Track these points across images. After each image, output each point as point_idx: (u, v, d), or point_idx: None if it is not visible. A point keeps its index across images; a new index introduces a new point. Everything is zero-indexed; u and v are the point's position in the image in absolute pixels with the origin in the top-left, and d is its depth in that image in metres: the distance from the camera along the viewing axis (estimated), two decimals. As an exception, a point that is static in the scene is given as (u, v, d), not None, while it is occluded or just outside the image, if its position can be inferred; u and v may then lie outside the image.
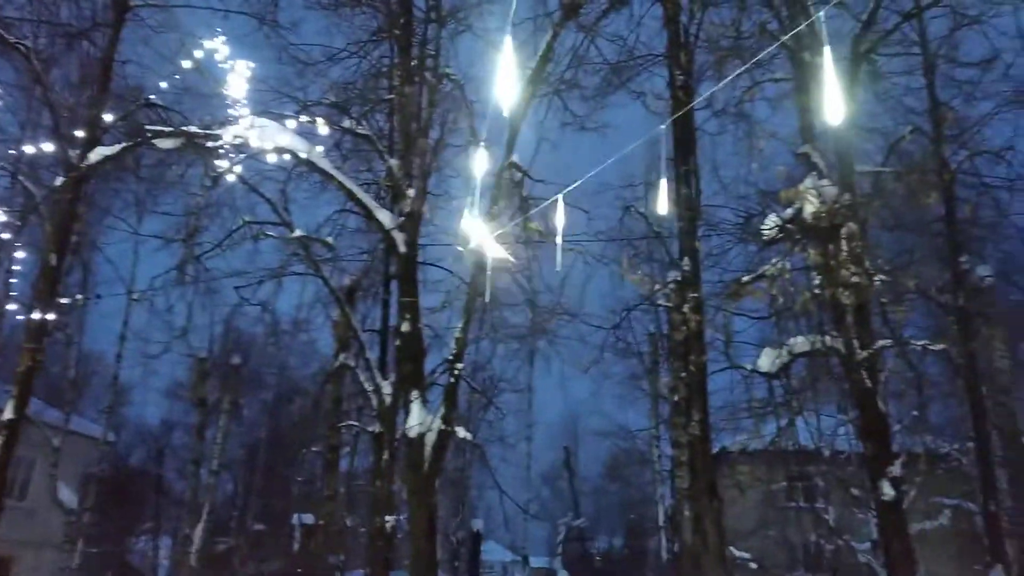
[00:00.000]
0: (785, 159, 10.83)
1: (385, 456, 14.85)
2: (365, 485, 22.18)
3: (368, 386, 14.48)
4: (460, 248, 11.02)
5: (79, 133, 10.79)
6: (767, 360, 10.31)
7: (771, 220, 9.55)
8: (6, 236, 11.34)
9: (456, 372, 10.86)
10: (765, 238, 9.56)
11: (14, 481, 17.41)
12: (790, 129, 11.25)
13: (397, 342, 11.43)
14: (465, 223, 7.74)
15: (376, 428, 14.86)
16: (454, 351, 10.93)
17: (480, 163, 7.16)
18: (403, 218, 11.05)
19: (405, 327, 11.02)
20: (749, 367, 10.86)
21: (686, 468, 10.63)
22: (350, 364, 15.42)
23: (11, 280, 12.12)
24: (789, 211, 9.22)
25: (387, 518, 14.23)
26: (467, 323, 11.08)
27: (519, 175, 11.05)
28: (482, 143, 8.98)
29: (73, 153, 10.81)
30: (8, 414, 10.48)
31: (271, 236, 13.44)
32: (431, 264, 13.58)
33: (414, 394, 10.81)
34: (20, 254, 11.89)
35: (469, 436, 15.20)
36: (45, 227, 11.42)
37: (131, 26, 11.97)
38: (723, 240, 11.69)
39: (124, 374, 24.95)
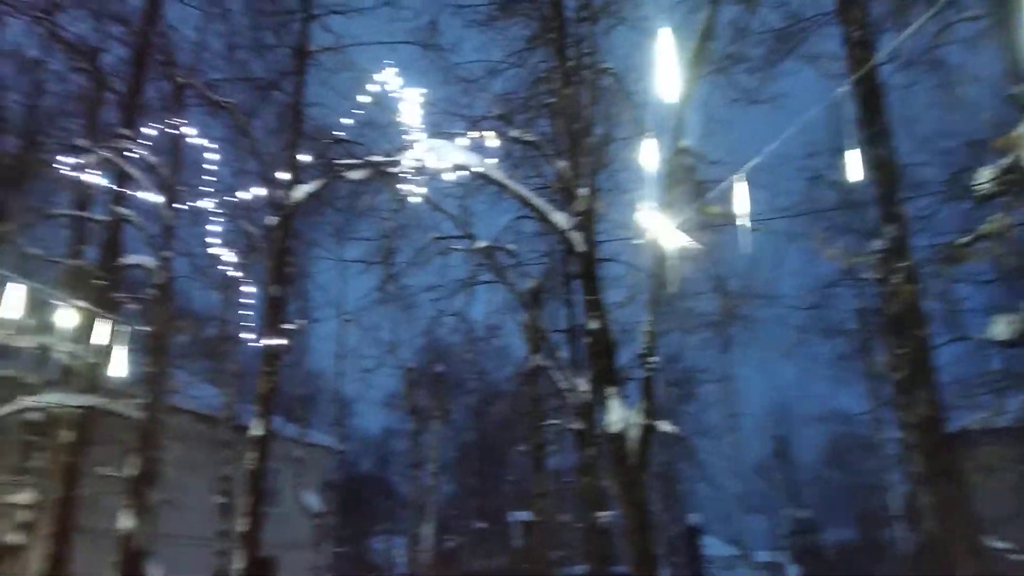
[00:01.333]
0: (992, 105, 9.52)
1: (589, 452, 14.98)
2: (574, 482, 22.50)
3: (563, 385, 14.69)
4: (638, 241, 10.83)
5: (282, 175, 12.01)
6: (1001, 327, 9.10)
7: (985, 173, 8.41)
8: (236, 274, 12.87)
9: (650, 366, 10.67)
10: (980, 193, 8.44)
11: (269, 491, 19.75)
12: (994, 71, 9.88)
13: (587, 340, 11.47)
14: (641, 215, 7.59)
15: (577, 425, 15.05)
16: (644, 345, 10.76)
17: (649, 154, 6.98)
18: (578, 218, 11.08)
19: (592, 324, 11.02)
20: (981, 337, 9.66)
21: (918, 451, 9.68)
22: (543, 364, 15.73)
23: (243, 312, 13.72)
24: (1006, 160, 8.07)
25: (600, 514, 14.33)
26: (654, 316, 10.86)
27: (691, 160, 10.65)
28: (649, 133, 8.76)
29: (279, 193, 12.06)
30: (257, 431, 11.89)
31: (458, 249, 14.10)
32: (611, 260, 13.51)
33: (610, 390, 10.77)
34: (248, 289, 13.44)
35: (673, 429, 14.92)
36: (266, 263, 12.85)
37: (312, 71, 13.16)
38: (930, 201, 10.52)
39: (346, 389, 27.37)
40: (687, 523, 29.37)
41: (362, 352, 20.04)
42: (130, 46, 14.29)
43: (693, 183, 10.86)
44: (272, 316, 12.44)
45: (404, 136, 10.42)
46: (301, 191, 12.00)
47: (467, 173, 11.22)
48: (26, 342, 11.68)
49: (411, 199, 11.83)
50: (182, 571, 17.02)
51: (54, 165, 11.56)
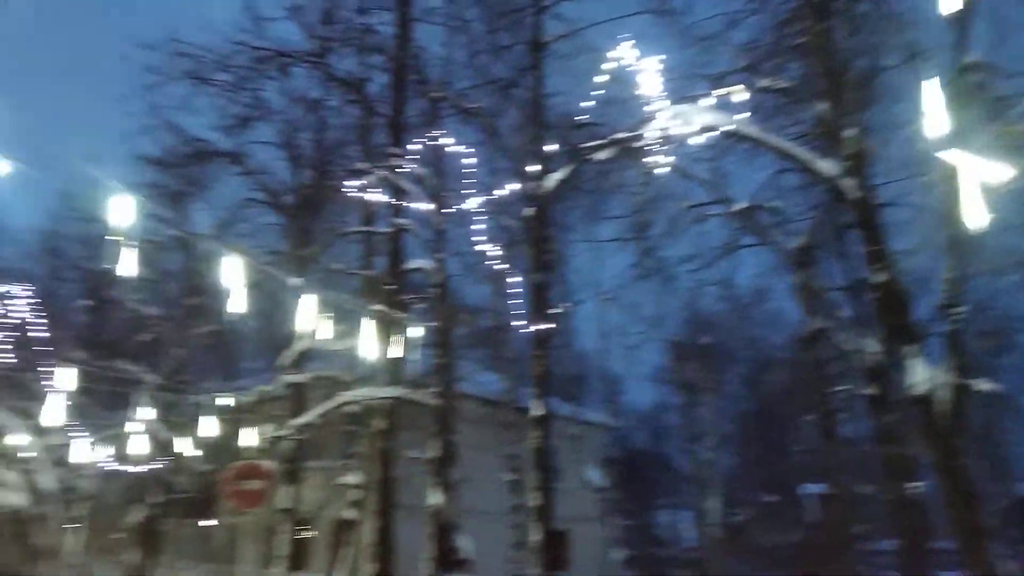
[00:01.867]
0: None
1: (888, 418, 13.61)
2: (871, 450, 20.64)
3: (848, 347, 13.48)
4: (926, 179, 9.55)
5: (532, 167, 12.48)
6: None
7: None
8: (501, 267, 13.66)
9: (955, 317, 9.38)
10: None
11: (554, 467, 20.83)
12: None
13: (872, 295, 10.39)
14: (928, 148, 6.67)
15: (869, 390, 13.74)
16: (946, 294, 9.46)
17: (928, 78, 6.09)
18: (847, 162, 10.05)
19: (878, 278, 9.96)
20: None
21: None
22: (823, 327, 14.56)
23: (511, 302, 14.52)
24: None
25: (909, 485, 12.97)
26: (955, 260, 9.50)
27: (981, 76, 9.11)
28: (924, 55, 7.64)
29: (531, 185, 12.56)
30: (537, 411, 12.56)
31: (714, 215, 13.57)
32: (892, 205, 12.05)
33: (908, 349, 9.67)
34: (513, 279, 14.18)
35: (991, 386, 12.99)
36: (527, 252, 13.47)
37: (549, 62, 13.47)
38: None
39: (613, 366, 27.80)
40: (1019, 492, 25.49)
41: (626, 329, 20.18)
42: (389, 72, 15.81)
43: (987, 102, 9.29)
44: (537, 302, 13.00)
45: (646, 108, 10.24)
46: (552, 180, 12.37)
47: (716, 134, 10.72)
48: (340, 345, 13.45)
49: (659, 171, 11.62)
50: (484, 543, 18.54)
51: (342, 190, 13.17)
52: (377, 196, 13.63)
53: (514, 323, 14.22)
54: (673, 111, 10.27)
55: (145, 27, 17.23)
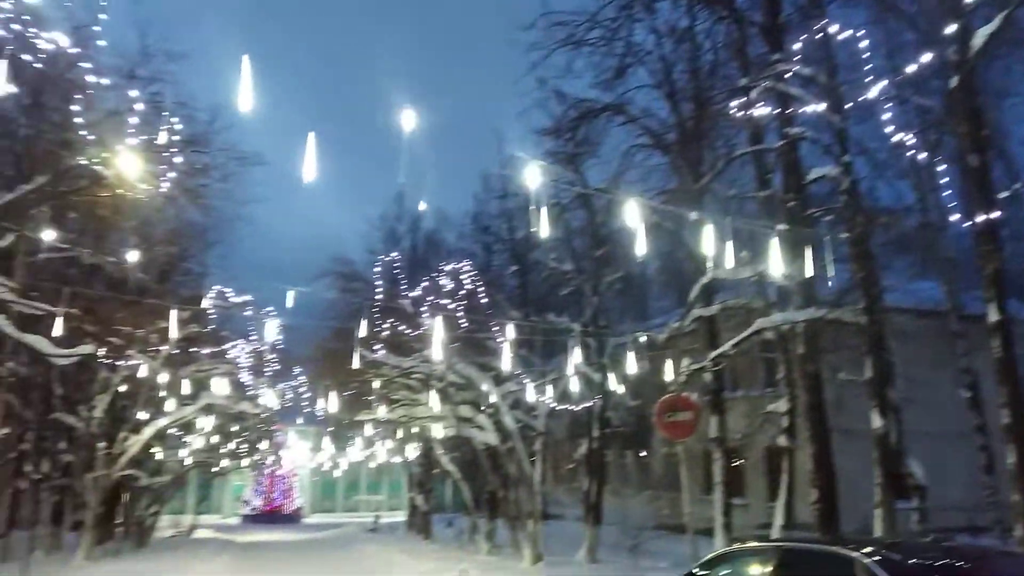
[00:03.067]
0: None
1: None
2: None
3: None
4: None
5: (948, 29, 10.44)
6: None
7: None
8: (921, 156, 11.83)
9: None
10: None
11: None
12: None
13: None
14: None
15: None
16: None
17: None
18: None
19: None
20: None
21: None
22: None
23: (940, 194, 12.52)
24: None
25: None
26: None
27: None
28: None
29: (949, 51, 10.53)
30: (993, 317, 10.70)
31: None
32: None
33: None
34: (939, 167, 12.20)
35: None
36: (954, 133, 11.42)
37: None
38: None
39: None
40: None
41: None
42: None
43: None
44: (977, 189, 10.96)
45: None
46: (979, 37, 10.22)
47: None
48: (747, 273, 13.11)
49: None
50: (938, 467, 16.62)
51: (726, 113, 12.68)
52: (763, 110, 12.84)
53: (948, 218, 12.26)
54: None
55: (518, 8, 18.66)
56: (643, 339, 17.52)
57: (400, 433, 30.72)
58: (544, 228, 8.21)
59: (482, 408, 20.38)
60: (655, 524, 21.10)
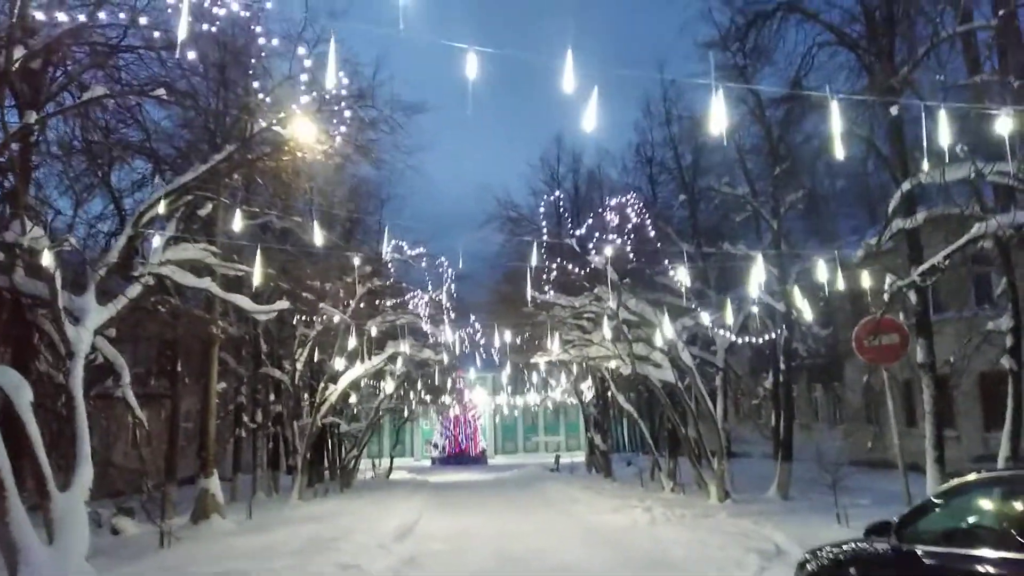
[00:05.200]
0: None
1: None
2: None
3: None
4: None
5: None
6: None
7: None
8: None
9: None
10: None
11: None
12: None
13: None
14: None
15: None
16: None
17: None
18: None
19: None
20: None
21: None
22: None
23: None
24: None
25: None
26: None
27: None
28: None
29: None
30: None
31: None
32: None
33: None
34: None
35: None
36: None
37: None
38: None
39: None
40: None
41: None
42: None
43: None
44: None
45: None
46: None
47: None
48: (959, 173, 11.49)
49: None
50: None
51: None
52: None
53: None
54: None
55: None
56: (833, 260, 16.11)
57: (575, 373, 30.95)
58: (718, 122, 7.30)
59: (657, 345, 19.86)
60: (850, 460, 19.73)
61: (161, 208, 11.40)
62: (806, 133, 18.33)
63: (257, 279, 12.26)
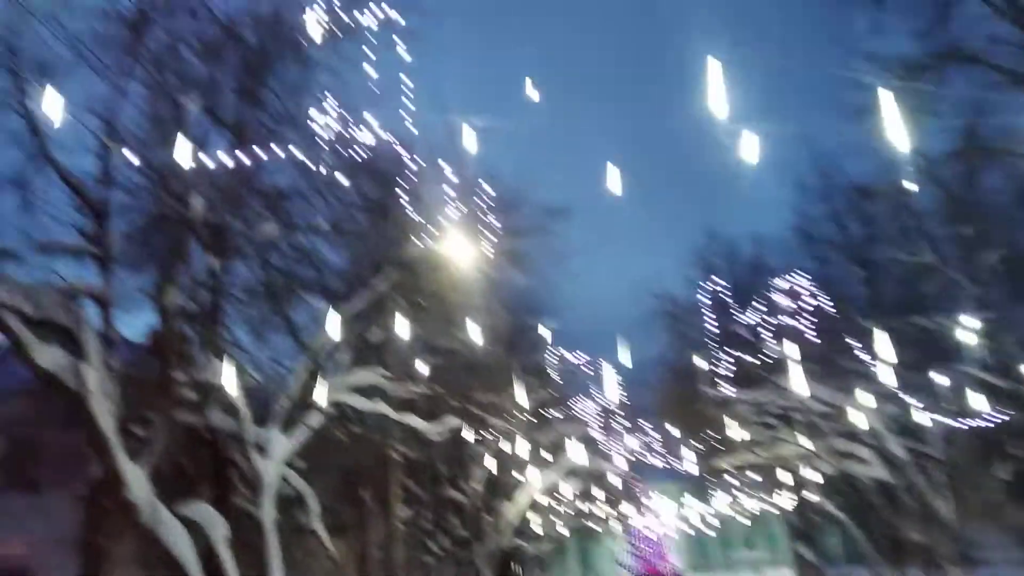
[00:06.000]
0: None
1: None
2: None
3: None
4: None
5: None
6: None
7: None
8: None
9: None
10: None
11: None
12: None
13: None
14: None
15: None
16: None
17: None
18: None
19: None
20: None
21: None
22: None
23: None
24: None
25: None
26: None
27: None
28: None
29: None
30: None
31: None
32: None
33: None
34: None
35: None
36: None
37: None
38: None
39: None
40: None
41: None
42: None
43: None
44: None
45: None
46: None
47: None
48: None
49: None
50: None
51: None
52: None
53: None
54: None
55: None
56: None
57: (768, 478, 28.41)
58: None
59: (859, 438, 17.82)
60: None
61: (336, 336, 11.95)
62: (990, 188, 16.45)
63: (417, 386, 12.35)
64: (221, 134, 12.73)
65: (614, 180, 6.47)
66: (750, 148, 6.06)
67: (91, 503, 13.01)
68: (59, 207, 11.00)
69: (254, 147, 12.81)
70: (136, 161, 10.98)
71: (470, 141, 7.84)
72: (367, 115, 11.00)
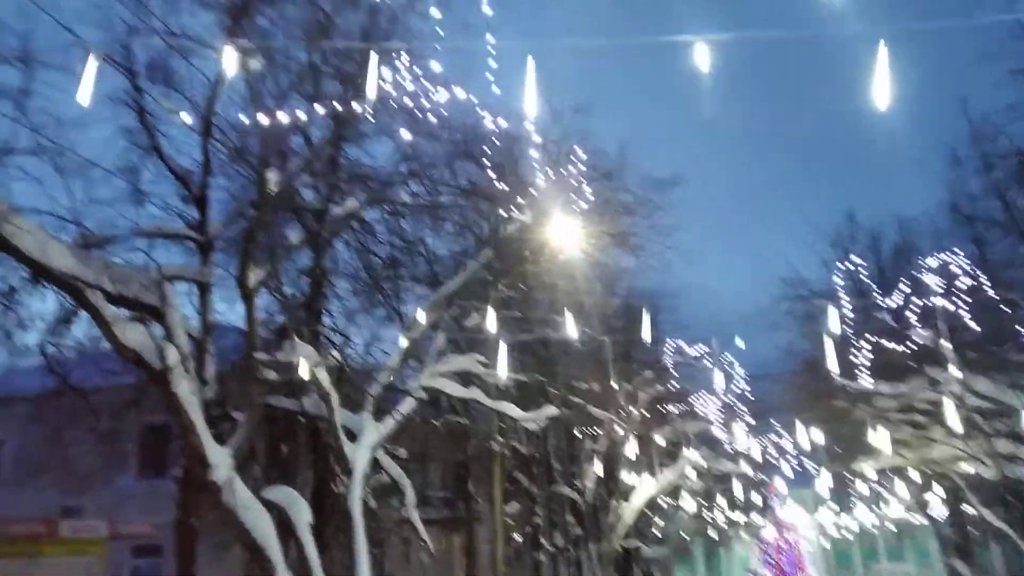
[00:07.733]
0: None
1: None
2: None
3: None
4: None
5: None
6: None
7: None
8: None
9: None
10: None
11: None
12: None
13: None
14: None
15: None
16: None
17: None
18: None
19: None
20: None
21: None
22: None
23: None
24: None
25: None
26: None
27: None
28: None
29: None
30: None
31: None
32: None
33: None
34: None
35: None
36: None
37: None
38: None
39: None
40: None
41: None
42: None
43: None
44: None
45: None
46: None
47: None
48: None
49: None
50: None
51: None
52: None
53: None
54: None
55: None
56: None
57: (916, 482, 25.62)
58: None
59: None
60: None
61: (423, 319, 11.42)
62: None
63: (502, 368, 11.47)
64: (323, 121, 12.59)
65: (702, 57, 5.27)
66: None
67: (184, 484, 13.21)
68: (164, 196, 11.16)
69: (355, 132, 12.55)
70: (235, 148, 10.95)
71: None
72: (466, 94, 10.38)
